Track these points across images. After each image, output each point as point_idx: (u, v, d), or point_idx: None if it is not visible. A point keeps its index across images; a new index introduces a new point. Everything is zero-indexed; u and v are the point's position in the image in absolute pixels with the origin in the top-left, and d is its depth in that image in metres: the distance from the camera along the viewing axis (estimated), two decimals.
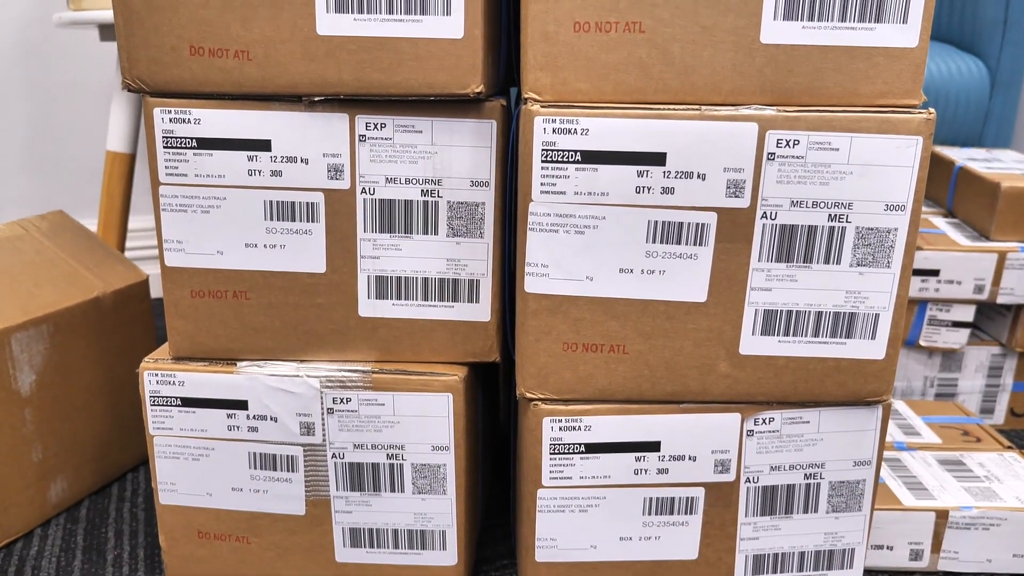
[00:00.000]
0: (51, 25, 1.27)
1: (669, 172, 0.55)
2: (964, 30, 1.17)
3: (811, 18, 0.54)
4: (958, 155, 1.09)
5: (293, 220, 0.63)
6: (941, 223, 1.04)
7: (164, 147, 0.61)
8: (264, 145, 0.61)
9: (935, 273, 0.97)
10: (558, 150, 0.55)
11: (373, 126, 0.60)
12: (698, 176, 0.55)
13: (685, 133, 0.54)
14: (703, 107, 0.55)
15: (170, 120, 0.61)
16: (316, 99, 0.60)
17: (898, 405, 0.94)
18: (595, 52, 0.55)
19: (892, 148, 0.54)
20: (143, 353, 0.86)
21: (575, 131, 0.54)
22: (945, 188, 1.08)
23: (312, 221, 0.63)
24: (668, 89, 0.56)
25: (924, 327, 1.00)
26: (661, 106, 0.55)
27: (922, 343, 1.01)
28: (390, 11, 0.57)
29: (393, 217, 0.63)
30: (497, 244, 0.63)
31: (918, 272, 0.97)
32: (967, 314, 1.00)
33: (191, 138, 0.61)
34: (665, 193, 0.56)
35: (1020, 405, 1.05)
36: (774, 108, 0.54)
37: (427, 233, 0.63)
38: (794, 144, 0.55)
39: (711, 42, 0.54)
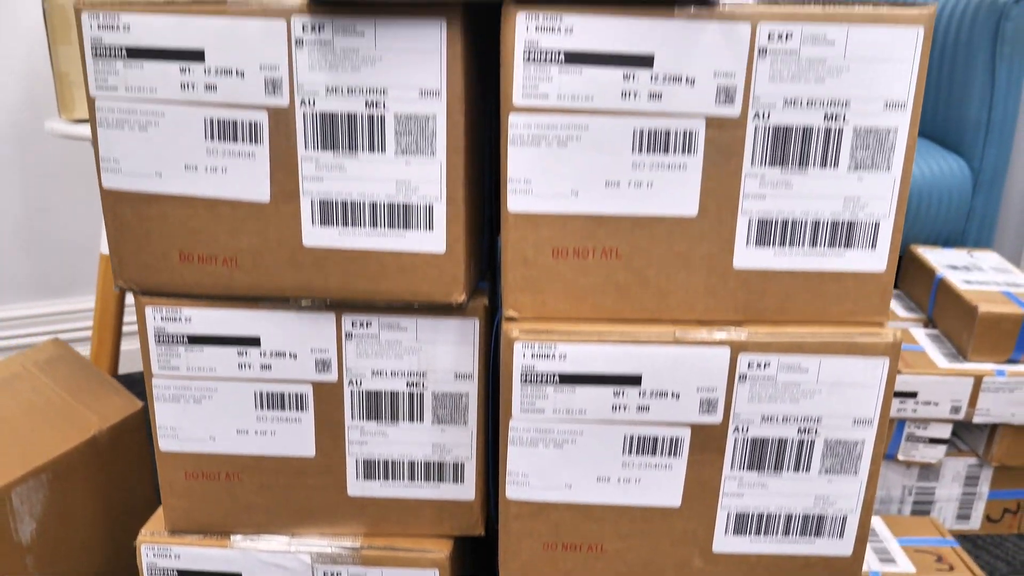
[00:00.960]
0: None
1: (644, 391, 0.57)
2: (948, 129, 1.18)
3: (783, 244, 0.55)
4: (939, 260, 1.11)
5: (283, 409, 0.65)
6: (921, 336, 1.06)
7: (156, 343, 0.63)
8: (253, 341, 0.63)
9: (913, 395, 0.99)
10: (538, 372, 0.57)
11: (359, 324, 0.62)
12: (672, 396, 0.57)
13: (660, 357, 0.56)
14: (677, 330, 0.56)
15: (161, 319, 0.62)
16: (303, 302, 0.61)
17: (875, 523, 0.96)
18: (573, 276, 0.56)
19: (859, 370, 0.56)
20: (140, 481, 0.87)
21: (553, 356, 0.56)
22: (926, 295, 1.10)
23: (301, 410, 0.65)
24: (644, 309, 0.57)
25: (903, 443, 1.02)
26: (637, 329, 0.56)
27: (900, 458, 1.03)
28: (374, 225, 0.58)
29: (380, 407, 0.64)
30: (481, 430, 0.65)
31: (898, 394, 0.99)
32: (944, 432, 1.02)
33: (183, 335, 0.63)
34: (640, 411, 0.57)
35: (996, 512, 1.07)
36: (746, 331, 0.56)
37: (413, 421, 0.65)
38: (765, 366, 0.56)
39: (685, 266, 0.55)
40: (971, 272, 1.07)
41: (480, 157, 0.62)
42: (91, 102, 0.54)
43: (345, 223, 0.57)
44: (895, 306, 1.13)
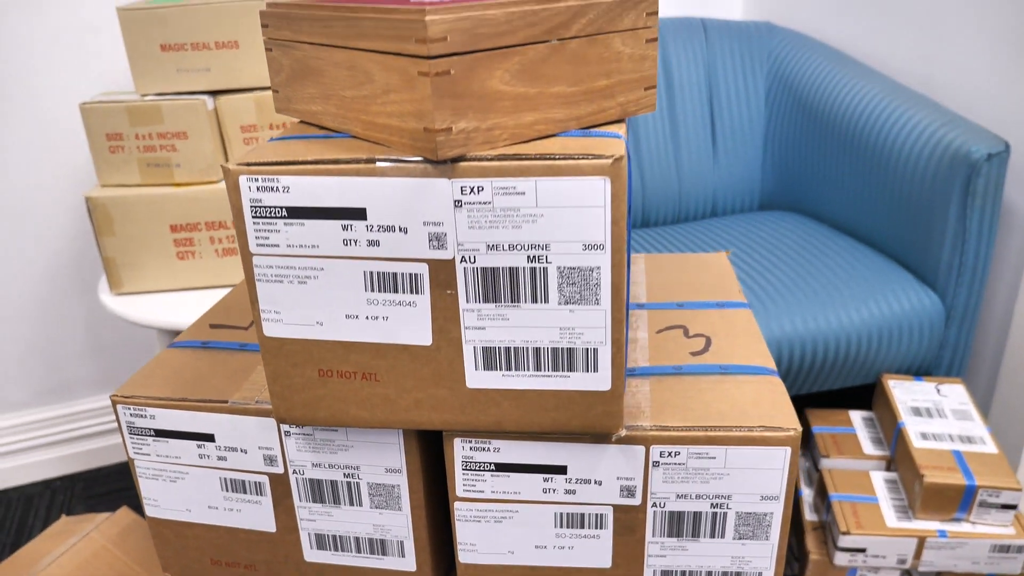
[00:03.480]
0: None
1: None
2: (924, 264, 1.15)
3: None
4: (904, 399, 1.06)
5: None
6: (879, 483, 1.00)
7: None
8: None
9: (863, 551, 0.94)
10: None
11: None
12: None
13: None
14: None
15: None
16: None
17: None
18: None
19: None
20: None
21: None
22: (890, 436, 1.04)
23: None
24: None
25: None
26: None
27: None
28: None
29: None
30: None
31: (849, 549, 0.95)
32: (893, 574, 0.96)
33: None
34: None
35: None
36: None
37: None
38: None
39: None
40: (931, 421, 1.02)
41: None
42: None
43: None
44: (864, 440, 1.08)
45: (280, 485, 0.63)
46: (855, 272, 1.16)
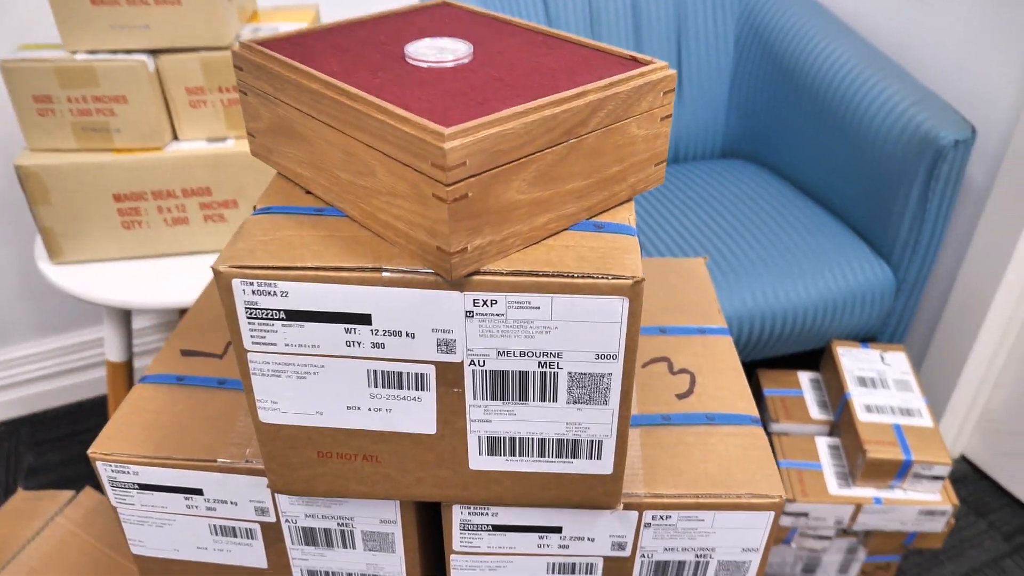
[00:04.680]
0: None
1: None
2: (881, 238, 1.19)
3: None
4: (851, 368, 1.11)
5: None
6: (823, 448, 1.07)
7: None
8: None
9: (805, 515, 1.02)
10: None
11: None
12: None
13: None
14: None
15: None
16: None
17: None
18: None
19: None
20: None
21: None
22: (836, 403, 1.11)
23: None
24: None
25: (796, 536, 1.06)
26: None
27: (793, 546, 1.07)
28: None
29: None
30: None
31: (792, 513, 1.02)
32: (830, 532, 1.05)
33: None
34: None
35: (870, 568, 1.10)
36: None
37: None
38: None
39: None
40: (875, 392, 1.08)
41: None
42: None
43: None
44: (811, 403, 1.15)
45: (272, 531, 0.63)
46: (814, 240, 1.18)
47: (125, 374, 1.18)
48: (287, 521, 0.62)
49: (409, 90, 0.45)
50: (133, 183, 0.98)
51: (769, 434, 1.13)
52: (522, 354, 0.47)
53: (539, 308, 0.45)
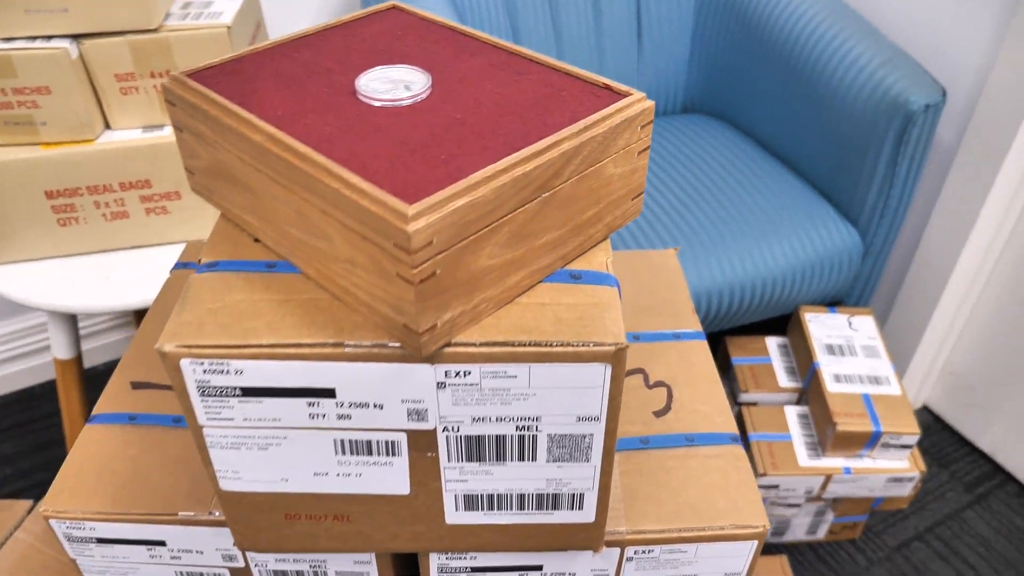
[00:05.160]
0: None
1: None
2: (848, 201, 1.17)
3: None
4: (820, 336, 1.12)
5: None
6: (792, 418, 1.08)
7: None
8: None
9: (776, 487, 1.03)
10: None
11: None
12: None
13: None
14: None
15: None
16: None
17: None
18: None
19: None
20: None
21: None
22: (805, 371, 1.11)
23: None
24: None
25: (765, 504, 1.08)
26: None
27: None
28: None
29: None
30: None
31: (763, 486, 1.03)
32: (799, 501, 1.07)
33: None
34: None
35: (837, 527, 1.14)
36: None
37: None
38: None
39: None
40: (843, 360, 1.09)
41: None
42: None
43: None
44: (780, 370, 1.15)
45: (242, 573, 0.61)
46: (780, 204, 1.16)
47: (75, 370, 1.13)
48: (256, 565, 0.60)
49: (364, 143, 0.41)
50: (65, 179, 0.91)
51: (739, 404, 1.13)
52: (499, 420, 0.44)
53: (516, 377, 0.42)
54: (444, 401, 0.43)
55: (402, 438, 0.46)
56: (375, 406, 0.44)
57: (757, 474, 1.01)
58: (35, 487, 1.30)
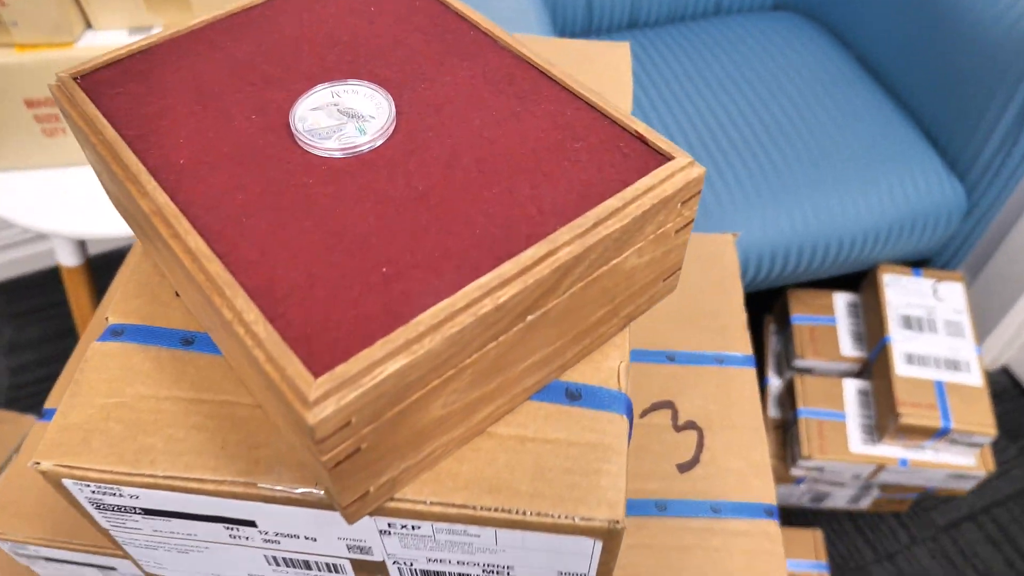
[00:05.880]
0: None
1: None
2: (962, 151, 0.98)
3: None
4: (896, 303, 0.98)
5: None
6: (851, 393, 0.97)
7: None
8: None
9: (820, 469, 0.94)
10: None
11: None
12: None
13: None
14: None
15: None
16: None
17: None
18: None
19: None
20: None
21: None
22: (874, 342, 0.99)
23: None
24: None
25: (806, 481, 1.00)
26: None
27: (804, 488, 1.01)
28: None
29: None
30: None
31: (805, 468, 0.94)
32: (844, 482, 0.98)
33: None
34: None
35: (883, 501, 1.06)
36: None
37: None
38: None
39: None
40: (920, 337, 0.95)
41: None
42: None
43: None
44: (843, 335, 1.03)
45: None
46: (872, 143, 0.99)
47: (84, 277, 1.08)
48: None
49: (283, 229, 0.30)
50: (44, 87, 0.81)
51: (792, 367, 1.02)
52: (460, 563, 0.36)
53: (479, 536, 0.33)
54: (391, 544, 0.35)
55: (346, 564, 0.37)
56: (307, 538, 0.35)
57: (800, 456, 0.92)
58: (55, 377, 1.30)
